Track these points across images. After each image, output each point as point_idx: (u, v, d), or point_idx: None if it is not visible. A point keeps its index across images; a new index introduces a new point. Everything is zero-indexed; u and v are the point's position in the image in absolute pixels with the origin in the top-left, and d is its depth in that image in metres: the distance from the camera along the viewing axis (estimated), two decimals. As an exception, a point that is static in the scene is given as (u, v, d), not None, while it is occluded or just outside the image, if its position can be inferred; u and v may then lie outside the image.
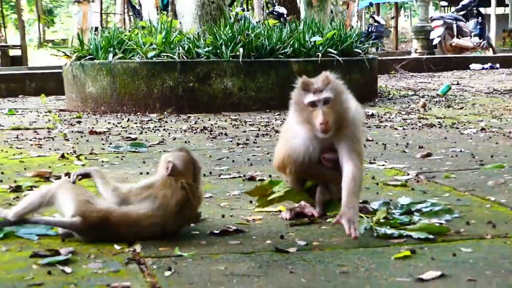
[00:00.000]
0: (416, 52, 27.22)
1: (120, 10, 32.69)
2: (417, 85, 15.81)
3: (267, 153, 6.93)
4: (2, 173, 6.13)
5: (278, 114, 10.47)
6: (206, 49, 11.23)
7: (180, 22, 12.84)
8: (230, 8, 17.52)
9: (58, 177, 5.85)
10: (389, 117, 9.93)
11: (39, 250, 3.80)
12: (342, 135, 4.10)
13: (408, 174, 5.80)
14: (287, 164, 4.31)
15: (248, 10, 29.59)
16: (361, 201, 4.58)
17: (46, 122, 10.14)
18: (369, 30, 31.59)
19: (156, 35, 11.69)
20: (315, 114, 3.94)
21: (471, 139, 7.74)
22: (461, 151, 6.92)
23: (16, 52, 23.91)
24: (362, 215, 4.36)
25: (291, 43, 11.70)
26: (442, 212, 4.44)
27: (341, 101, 4.02)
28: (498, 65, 21.68)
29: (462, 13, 28.43)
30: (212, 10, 12.51)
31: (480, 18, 28.64)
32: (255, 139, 8.02)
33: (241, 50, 11.00)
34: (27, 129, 9.37)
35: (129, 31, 13.07)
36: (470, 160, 6.42)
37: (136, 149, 7.33)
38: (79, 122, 10.07)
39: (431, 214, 4.43)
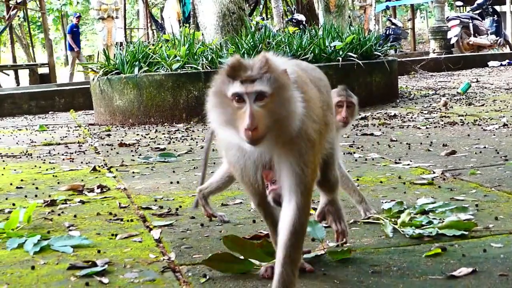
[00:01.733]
0: (434, 52, 27.14)
1: (143, 25, 32.82)
2: (437, 84, 15.72)
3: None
4: (37, 188, 6.14)
5: (302, 119, 10.41)
6: (228, 58, 11.20)
7: (203, 34, 12.85)
8: (250, 18, 17.53)
9: (91, 190, 5.87)
10: (411, 117, 9.86)
11: (76, 262, 3.79)
12: (285, 151, 2.87)
13: (434, 173, 5.74)
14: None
15: (267, 19, 29.64)
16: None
17: (77, 137, 10.18)
18: (387, 32, 31.54)
19: (180, 47, 11.72)
20: (240, 113, 2.68)
21: (494, 135, 7.67)
22: (485, 147, 6.86)
23: (44, 70, 24.10)
24: (382, 218, 4.31)
25: (311, 49, 11.68)
26: (457, 210, 4.38)
27: (282, 100, 2.71)
28: (516, 61, 21.55)
29: (477, 12, 28.32)
30: (233, 21, 12.50)
31: (495, 16, 28.49)
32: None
33: (263, 58, 10.97)
34: (59, 144, 9.40)
35: (153, 44, 13.09)
36: (495, 156, 6.35)
37: (165, 159, 7.32)
38: (108, 135, 10.09)
39: (448, 212, 4.38)
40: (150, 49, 12.14)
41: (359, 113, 4.84)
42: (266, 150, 2.86)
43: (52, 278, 3.58)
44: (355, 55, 11.62)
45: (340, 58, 11.49)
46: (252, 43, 11.36)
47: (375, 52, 12.23)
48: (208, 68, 11.07)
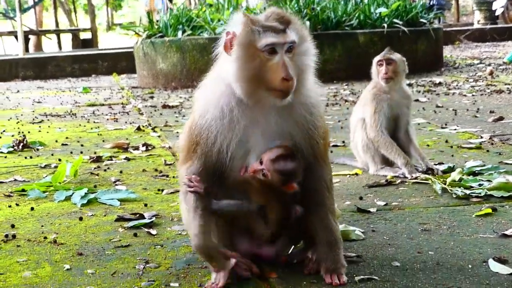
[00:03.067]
0: (478, 23, 26.69)
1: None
2: (482, 54, 15.50)
3: (338, 121, 6.83)
4: (82, 145, 6.18)
5: (346, 85, 10.35)
6: (273, 23, 11.14)
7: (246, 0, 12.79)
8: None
9: (136, 148, 5.88)
10: (456, 85, 9.73)
11: (124, 214, 3.81)
12: (298, 114, 2.75)
13: (481, 137, 5.67)
14: (188, 149, 2.78)
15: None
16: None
17: (120, 98, 10.21)
18: (431, 3, 31.13)
19: (224, 11, 11.66)
20: (271, 65, 2.59)
21: (542, 102, 7.56)
22: (533, 114, 6.76)
23: (87, 35, 24.14)
24: (431, 177, 4.30)
25: (356, 15, 11.56)
26: (506, 173, 4.31)
27: (303, 51, 2.68)
28: None
29: (525, -18, 27.82)
30: (278, -14, 12.42)
31: (544, -14, 27.96)
32: (325, 109, 7.94)
33: (307, 23, 10.88)
34: (102, 105, 9.43)
35: (197, 9, 13.04)
36: (543, 123, 6.26)
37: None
38: (151, 97, 10.11)
39: (496, 174, 4.32)
40: (193, 13, 12.10)
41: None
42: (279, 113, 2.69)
43: (100, 229, 3.61)
44: (400, 22, 11.47)
45: (386, 25, 11.34)
46: (297, 8, 11.25)
47: (421, 20, 12.06)
48: (252, 32, 11.01)
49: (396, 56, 4.68)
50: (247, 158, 2.71)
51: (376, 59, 4.71)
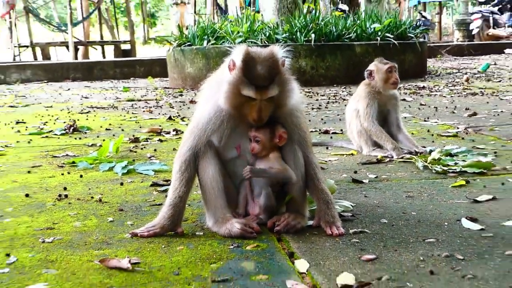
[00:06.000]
0: (457, 41, 26.62)
1: (209, 11, 32.78)
2: (460, 65, 15.44)
3: (337, 115, 6.86)
4: (122, 130, 6.24)
5: (344, 88, 10.36)
6: (284, 35, 11.16)
7: (262, 15, 12.77)
8: (303, 4, 17.38)
9: (168, 132, 5.93)
10: (438, 89, 9.73)
11: (157, 181, 3.85)
12: (280, 115, 2.84)
13: (458, 128, 5.68)
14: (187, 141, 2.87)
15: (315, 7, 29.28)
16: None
17: (154, 96, 10.25)
18: (418, 24, 31.04)
19: (242, 25, 11.68)
20: (250, 105, 2.69)
21: (509, 103, 7.54)
22: (502, 111, 6.75)
23: (126, 47, 24.18)
24: (414, 156, 4.34)
25: (354, 29, 11.56)
26: (478, 154, 4.33)
27: (284, 93, 2.72)
28: (529, 50, 21.07)
29: (497, 7, 27.71)
30: (288, 4, 12.40)
31: (513, 11, 27.89)
32: (327, 105, 7.97)
33: (313, 35, 10.92)
34: (139, 100, 9.48)
35: (220, 23, 13.05)
36: (510, 118, 6.25)
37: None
38: (180, 95, 10.15)
39: (470, 155, 4.34)
40: (217, 25, 12.13)
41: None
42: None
43: (138, 192, 3.65)
44: (391, 36, 11.47)
45: (379, 38, 11.35)
46: (304, 23, 11.27)
47: (409, 35, 12.04)
48: (266, 42, 11.02)
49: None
50: (238, 142, 2.85)
51: (384, 66, 4.68)
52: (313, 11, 12.58)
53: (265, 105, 2.68)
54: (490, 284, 2.12)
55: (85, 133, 6.11)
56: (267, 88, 2.64)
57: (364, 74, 4.76)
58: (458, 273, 2.23)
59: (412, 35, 12.02)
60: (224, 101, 2.70)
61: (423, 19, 32.26)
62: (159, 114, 7.58)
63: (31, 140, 5.75)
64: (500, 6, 27.76)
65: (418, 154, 4.45)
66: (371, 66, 4.73)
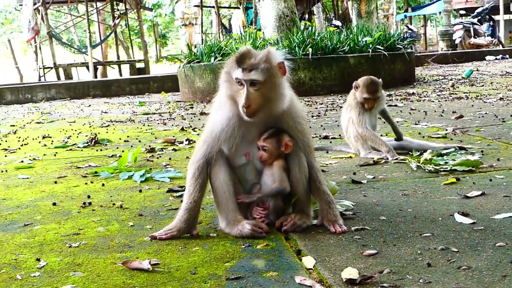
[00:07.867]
0: (442, 50, 26.58)
1: (215, 30, 32.85)
2: (446, 72, 15.40)
3: (335, 121, 6.83)
4: (139, 141, 6.21)
5: (340, 96, 10.33)
6: (283, 50, 11.10)
7: (263, 32, 12.76)
8: (301, 21, 17.36)
9: (181, 142, 5.90)
10: (426, 94, 9.68)
11: (173, 187, 3.82)
12: (284, 123, 2.81)
13: (446, 130, 5.64)
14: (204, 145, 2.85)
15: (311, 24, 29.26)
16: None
17: (167, 109, 10.23)
18: (405, 36, 30.99)
19: (246, 42, 11.66)
20: (240, 92, 2.66)
21: (492, 105, 7.49)
22: (486, 113, 6.71)
23: (140, 65, 24.22)
24: (408, 158, 4.30)
25: (347, 43, 11.52)
26: (466, 153, 4.31)
27: (272, 86, 2.66)
28: (507, 56, 20.99)
29: (477, 19, 27.68)
30: (287, 22, 12.37)
31: (491, 22, 27.84)
32: (325, 113, 7.93)
33: (310, 50, 10.88)
34: (154, 113, 9.46)
35: (225, 41, 13.05)
36: (494, 119, 6.21)
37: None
38: (191, 108, 10.13)
39: (459, 155, 4.31)
40: (222, 43, 12.12)
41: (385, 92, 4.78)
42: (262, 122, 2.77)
43: (155, 198, 3.62)
44: (381, 48, 11.42)
45: (370, 50, 11.31)
46: (301, 38, 11.24)
47: (397, 46, 12.00)
48: (268, 57, 11.00)
49: (380, 92, 4.62)
50: (247, 149, 2.82)
51: (364, 95, 4.54)
52: (310, 28, 12.54)
53: (252, 94, 2.63)
54: (484, 274, 2.08)
55: (106, 145, 6.09)
56: (251, 70, 2.62)
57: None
58: (454, 265, 2.19)
59: (401, 46, 11.98)
60: (223, 91, 2.73)
61: (409, 31, 32.25)
62: (172, 125, 7.55)
63: (56, 153, 5.73)
64: (479, 17, 27.74)
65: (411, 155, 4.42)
66: (360, 81, 4.63)
